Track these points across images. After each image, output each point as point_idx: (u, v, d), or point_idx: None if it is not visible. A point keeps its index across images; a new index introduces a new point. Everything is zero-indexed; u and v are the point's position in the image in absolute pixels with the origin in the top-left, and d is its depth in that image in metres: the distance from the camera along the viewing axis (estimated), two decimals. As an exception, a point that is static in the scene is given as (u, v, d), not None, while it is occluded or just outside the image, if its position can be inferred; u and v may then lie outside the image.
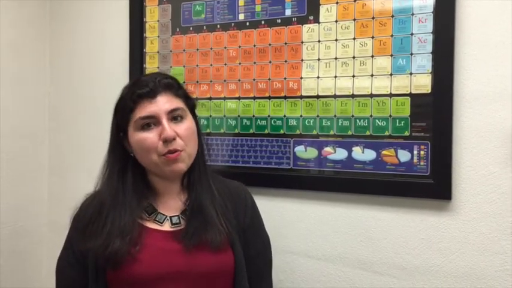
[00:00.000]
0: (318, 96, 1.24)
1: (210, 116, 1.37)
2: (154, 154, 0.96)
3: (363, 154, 1.19)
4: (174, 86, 1.01)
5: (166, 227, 1.00)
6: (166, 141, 0.95)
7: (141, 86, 0.97)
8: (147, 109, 0.96)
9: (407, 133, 1.14)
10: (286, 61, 1.28)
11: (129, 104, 0.97)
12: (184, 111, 1.00)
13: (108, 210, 0.97)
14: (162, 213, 1.01)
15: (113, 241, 0.93)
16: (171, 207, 1.03)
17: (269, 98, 1.30)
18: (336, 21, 1.22)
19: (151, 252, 0.95)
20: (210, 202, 1.00)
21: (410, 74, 1.14)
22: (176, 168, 0.98)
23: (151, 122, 0.96)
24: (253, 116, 1.32)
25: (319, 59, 1.24)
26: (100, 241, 0.94)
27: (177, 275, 0.94)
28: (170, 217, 1.01)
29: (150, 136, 0.96)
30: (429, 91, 1.12)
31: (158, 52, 1.45)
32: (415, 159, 1.14)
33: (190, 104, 1.04)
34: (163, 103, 0.97)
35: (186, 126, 0.99)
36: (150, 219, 1.00)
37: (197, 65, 1.39)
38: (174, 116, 0.98)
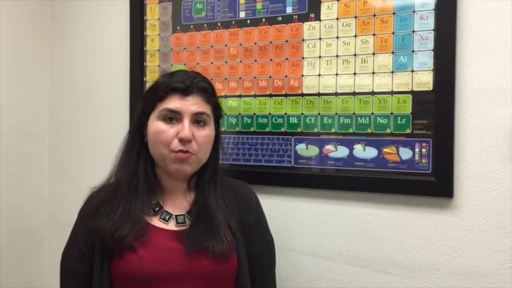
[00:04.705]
0: (319, 94, 1.24)
1: (211, 114, 1.37)
2: (165, 148, 0.97)
3: (364, 152, 1.19)
4: (208, 92, 1.02)
5: (171, 225, 1.00)
6: (182, 140, 0.96)
7: (178, 81, 0.98)
8: (175, 103, 0.97)
9: (408, 131, 1.14)
10: (287, 59, 1.27)
11: (161, 92, 0.98)
12: (209, 118, 1.01)
13: (123, 193, 0.98)
14: (167, 212, 1.01)
15: (123, 225, 0.94)
16: (177, 205, 1.03)
17: (270, 95, 1.30)
18: (337, 18, 1.21)
19: (154, 250, 0.95)
20: (217, 208, 1.01)
21: (412, 71, 1.13)
22: (181, 169, 0.98)
23: (174, 116, 0.97)
24: (254, 114, 1.32)
25: (320, 57, 1.23)
26: (111, 223, 0.95)
27: (178, 275, 0.94)
28: (176, 216, 1.01)
29: (168, 131, 0.97)
30: (431, 88, 1.11)
31: (159, 50, 1.45)
32: (417, 157, 1.13)
33: (217, 113, 1.05)
34: (192, 104, 0.98)
35: (206, 133, 1.00)
36: (155, 217, 1.00)
37: (198, 63, 1.39)
38: (198, 120, 0.99)
